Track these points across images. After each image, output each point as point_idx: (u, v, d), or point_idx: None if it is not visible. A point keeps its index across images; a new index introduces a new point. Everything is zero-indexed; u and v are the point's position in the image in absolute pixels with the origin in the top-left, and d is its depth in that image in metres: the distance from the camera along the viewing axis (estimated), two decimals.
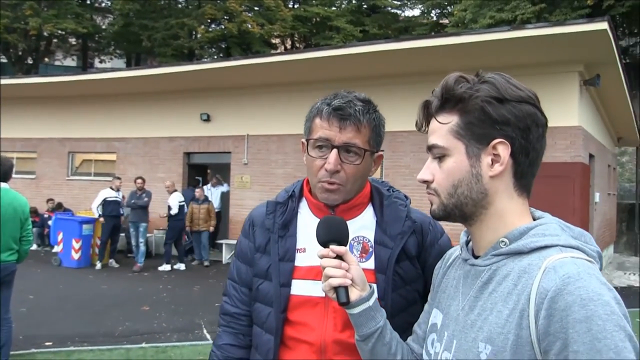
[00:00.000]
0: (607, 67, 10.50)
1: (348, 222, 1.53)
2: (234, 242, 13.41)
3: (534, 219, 1.23)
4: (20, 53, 30.09)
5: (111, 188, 12.65)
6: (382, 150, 1.70)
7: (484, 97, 1.17)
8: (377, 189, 1.71)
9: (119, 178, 13.10)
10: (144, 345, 6.69)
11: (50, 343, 6.60)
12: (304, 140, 1.66)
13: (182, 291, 10.08)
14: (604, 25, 8.86)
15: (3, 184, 5.31)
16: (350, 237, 1.56)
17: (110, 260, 12.61)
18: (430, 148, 1.25)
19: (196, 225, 12.65)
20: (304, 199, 1.72)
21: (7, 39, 27.04)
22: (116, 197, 12.60)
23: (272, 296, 1.62)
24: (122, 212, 12.85)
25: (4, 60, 31.32)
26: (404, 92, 11.01)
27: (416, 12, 35.58)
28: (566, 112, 10.13)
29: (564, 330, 0.98)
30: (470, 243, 1.30)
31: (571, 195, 10.21)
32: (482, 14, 24.99)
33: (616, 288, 1.86)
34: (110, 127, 15.67)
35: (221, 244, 13.84)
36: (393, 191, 1.73)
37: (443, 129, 1.22)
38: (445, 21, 31.94)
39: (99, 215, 12.45)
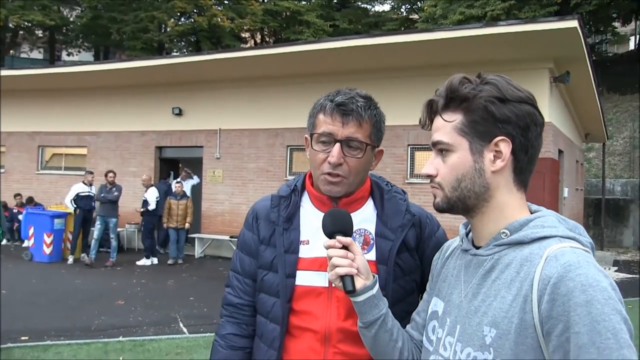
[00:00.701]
0: (576, 64, 10.72)
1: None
2: (207, 236, 13.52)
3: (531, 212, 1.31)
4: None
5: (84, 182, 12.49)
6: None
7: (487, 97, 1.24)
8: (377, 183, 1.78)
9: (91, 172, 12.93)
10: (121, 339, 6.67)
11: (27, 337, 6.53)
12: (307, 135, 1.73)
13: (156, 285, 10.05)
14: (574, 23, 9.04)
15: None
16: (353, 229, 1.63)
17: (82, 255, 12.45)
18: (435, 144, 1.32)
19: (174, 221, 12.45)
20: (306, 193, 1.78)
21: None
22: (89, 191, 12.46)
23: (278, 287, 1.68)
24: (94, 207, 12.70)
25: None
26: (374, 88, 11.09)
27: (386, 7, 35.89)
28: None
29: (566, 313, 1.06)
30: (470, 234, 1.38)
31: (541, 190, 10.42)
32: (452, 10, 25.25)
33: None
34: (81, 120, 15.46)
35: (193, 239, 13.80)
36: (391, 186, 1.81)
37: (447, 126, 1.29)
38: (416, 16, 32.16)
39: (75, 209, 12.33)
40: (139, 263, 12.21)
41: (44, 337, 6.60)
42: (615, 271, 13.35)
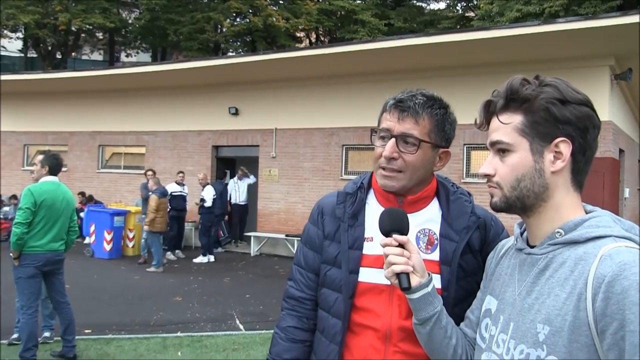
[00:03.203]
0: (638, 60, 10.38)
1: (414, 214, 1.64)
2: (262, 234, 13.68)
3: (586, 212, 1.31)
4: (49, 48, 30.51)
5: (176, 182, 12.96)
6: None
7: (549, 98, 1.26)
8: (443, 184, 1.78)
9: (181, 172, 13.31)
10: (179, 334, 6.86)
11: (90, 330, 6.81)
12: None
13: (212, 282, 10.25)
14: (636, 18, 8.76)
15: (55, 178, 5.60)
16: (417, 229, 1.66)
17: (177, 251, 13.00)
18: (494, 144, 1.34)
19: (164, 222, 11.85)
20: (371, 190, 1.80)
21: (38, 34, 27.42)
22: (181, 191, 12.94)
23: (341, 282, 1.69)
24: (186, 206, 13.16)
25: (35, 55, 31.79)
26: (431, 86, 10.86)
27: (442, 5, 35.45)
28: (596, 106, 9.65)
29: (621, 311, 1.06)
30: (525, 234, 1.39)
31: (601, 190, 10.15)
32: (508, 7, 24.68)
33: None
34: (139, 120, 15.91)
35: (249, 237, 13.98)
36: (457, 187, 1.80)
37: (507, 126, 1.30)
38: (471, 14, 31.65)
39: (169, 210, 12.52)
40: (195, 260, 12.45)
41: (106, 331, 6.86)
42: None
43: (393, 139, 1.63)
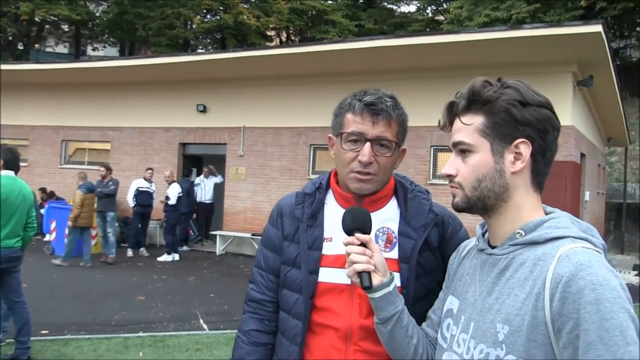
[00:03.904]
0: (600, 68, 10.64)
1: (373, 214, 1.63)
2: (228, 233, 13.58)
3: (546, 214, 1.34)
4: (10, 38, 29.79)
5: (144, 178, 12.80)
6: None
7: (509, 100, 1.28)
8: (400, 182, 1.80)
9: (150, 169, 13.15)
10: (141, 334, 6.75)
11: (47, 331, 6.61)
12: (331, 135, 1.75)
13: (176, 281, 10.13)
14: (598, 27, 9.00)
15: (11, 173, 5.42)
16: (376, 228, 1.66)
17: (141, 249, 12.93)
18: (456, 145, 1.35)
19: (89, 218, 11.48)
20: (330, 191, 1.80)
21: None
22: (148, 187, 12.79)
23: (301, 283, 1.70)
24: (152, 203, 13.00)
25: None
26: (398, 88, 11.01)
27: (412, 8, 35.69)
28: (560, 111, 9.94)
29: (576, 311, 1.08)
30: (487, 234, 1.41)
31: (562, 193, 10.34)
32: (477, 12, 25.10)
33: None
34: (105, 116, 15.62)
35: (215, 235, 13.88)
36: (415, 186, 1.82)
37: (469, 127, 1.32)
38: (441, 18, 32.03)
39: (134, 205, 12.62)
40: (160, 259, 12.30)
41: (64, 331, 6.69)
42: (636, 275, 13.19)
43: (369, 143, 1.63)
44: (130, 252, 12.64)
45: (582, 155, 12.38)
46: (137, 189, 12.57)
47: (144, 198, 12.68)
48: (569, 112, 10.44)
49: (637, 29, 31.69)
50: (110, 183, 11.93)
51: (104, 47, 34.93)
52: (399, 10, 35.90)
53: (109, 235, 11.89)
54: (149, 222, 13.33)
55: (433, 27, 31.04)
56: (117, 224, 13.19)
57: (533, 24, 15.43)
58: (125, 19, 29.05)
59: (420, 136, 11.37)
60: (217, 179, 14.47)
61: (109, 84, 15.24)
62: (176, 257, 12.53)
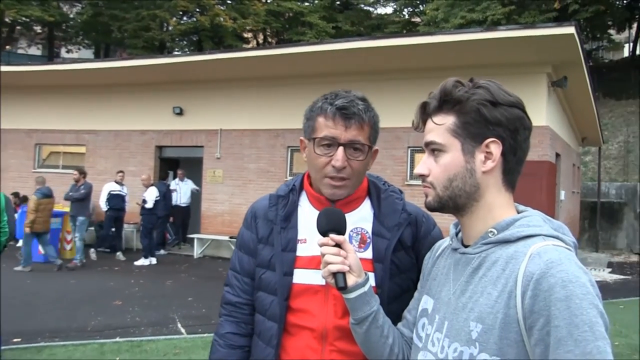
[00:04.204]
0: (573, 69, 10.78)
1: (347, 215, 1.62)
2: (206, 236, 13.49)
3: (518, 212, 1.35)
4: None
5: (116, 182, 12.64)
6: None
7: (480, 100, 1.28)
8: (374, 183, 1.80)
9: (121, 172, 12.99)
10: (118, 339, 6.65)
11: (19, 339, 6.46)
12: (303, 138, 1.74)
13: (154, 285, 10.03)
14: (571, 29, 9.13)
15: None
16: (349, 228, 1.65)
17: (118, 253, 12.76)
18: (428, 144, 1.36)
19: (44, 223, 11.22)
20: (304, 192, 1.80)
21: None
22: (120, 190, 12.63)
23: (276, 285, 1.69)
24: (125, 206, 12.86)
25: None
26: (376, 90, 11.08)
27: (389, 10, 35.87)
28: (535, 112, 10.36)
29: (547, 308, 1.10)
30: (460, 234, 1.41)
31: (538, 192, 10.46)
32: (453, 14, 25.35)
33: None
34: (79, 119, 15.41)
35: (193, 239, 13.78)
36: (388, 185, 1.82)
37: (441, 127, 1.33)
38: (417, 20, 32.27)
39: (107, 210, 12.49)
40: (137, 263, 12.16)
41: (38, 339, 6.54)
42: (610, 272, 13.43)
43: (342, 148, 1.62)
44: (93, 255, 12.48)
45: (557, 155, 12.54)
46: (109, 193, 12.42)
47: (116, 201, 12.53)
48: (544, 113, 10.57)
49: (608, 31, 32.51)
50: (82, 187, 11.75)
51: (79, 49, 34.52)
52: (375, 12, 36.08)
53: (75, 240, 11.75)
54: (123, 225, 13.19)
55: (410, 28, 31.26)
56: (92, 228, 13.07)
57: (508, 25, 15.58)
58: (100, 21, 28.72)
59: (397, 137, 11.41)
60: (193, 186, 14.41)
61: (83, 86, 15.05)
62: (153, 261, 12.39)
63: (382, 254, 1.68)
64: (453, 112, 1.31)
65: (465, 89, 1.31)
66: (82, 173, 11.99)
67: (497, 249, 1.26)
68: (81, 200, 11.72)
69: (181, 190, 14.30)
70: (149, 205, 12.26)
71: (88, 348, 6.29)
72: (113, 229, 12.88)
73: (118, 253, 12.75)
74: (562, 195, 13.61)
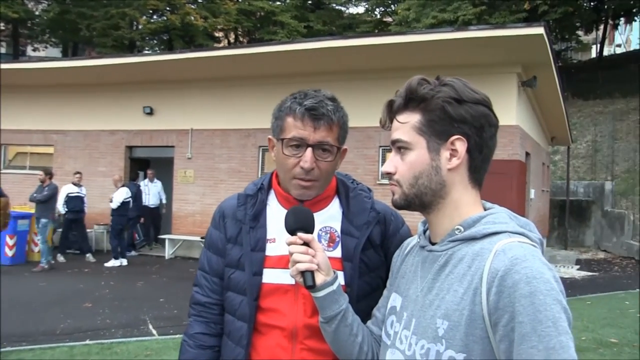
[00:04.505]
0: (543, 69, 10.93)
1: (316, 214, 1.62)
2: (177, 237, 13.37)
3: (485, 210, 1.35)
4: None
5: (73, 183, 12.39)
6: None
7: (445, 97, 1.29)
8: (342, 182, 1.79)
9: (78, 173, 12.72)
10: (88, 342, 6.55)
11: None
12: (271, 137, 1.73)
13: (124, 287, 9.91)
14: (540, 30, 9.25)
15: None
16: (318, 227, 1.65)
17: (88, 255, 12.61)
18: (394, 142, 1.36)
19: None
20: (272, 192, 1.79)
21: None
22: (78, 192, 12.38)
23: (245, 285, 1.68)
24: (84, 208, 12.62)
25: None
26: (348, 89, 11.09)
27: (360, 9, 35.99)
28: (505, 111, 10.49)
29: (512, 304, 1.11)
30: (428, 232, 1.42)
31: (509, 191, 10.59)
32: (425, 14, 25.54)
33: None
34: (47, 118, 15.14)
35: (164, 239, 13.65)
36: (357, 184, 1.82)
37: (406, 125, 1.33)
38: (389, 19, 32.45)
39: (65, 212, 12.24)
40: (107, 265, 12.00)
41: (4, 344, 6.35)
42: (578, 269, 13.69)
43: (310, 149, 1.61)
44: (61, 258, 12.32)
45: (527, 154, 12.70)
46: (67, 195, 12.19)
47: (75, 203, 12.31)
48: (514, 112, 10.70)
49: (577, 32, 33.17)
50: (47, 189, 11.53)
51: (46, 47, 33.88)
52: (347, 11, 36.19)
53: (39, 242, 11.57)
54: (84, 227, 12.98)
55: (381, 28, 31.42)
56: (59, 229, 12.83)
57: (479, 25, 15.76)
58: (67, 19, 28.23)
59: (368, 137, 11.45)
60: (161, 190, 14.32)
61: (51, 85, 14.77)
62: (124, 262, 12.23)
63: (351, 252, 1.68)
64: (418, 110, 1.32)
65: (431, 86, 1.31)
66: (48, 174, 11.76)
67: (463, 246, 1.27)
68: (44, 202, 11.50)
69: (150, 191, 14.17)
70: (113, 205, 12.09)
71: (57, 351, 6.17)
72: (74, 232, 12.68)
73: (88, 255, 12.57)
74: (532, 193, 13.80)
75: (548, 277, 1.12)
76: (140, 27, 29.15)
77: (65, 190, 12.26)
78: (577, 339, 6.59)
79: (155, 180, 14.37)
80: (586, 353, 6.15)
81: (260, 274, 1.67)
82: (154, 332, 7.11)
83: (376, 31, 29.11)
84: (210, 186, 13.47)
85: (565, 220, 18.54)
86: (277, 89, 12.25)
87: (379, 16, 34.32)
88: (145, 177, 14.80)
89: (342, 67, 11.60)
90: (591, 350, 6.30)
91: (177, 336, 6.75)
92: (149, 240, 14.62)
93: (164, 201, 14.52)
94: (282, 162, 1.66)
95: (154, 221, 14.72)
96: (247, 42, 32.28)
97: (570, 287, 11.12)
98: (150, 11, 29.42)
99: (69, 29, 29.42)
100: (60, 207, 12.25)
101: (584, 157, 21.97)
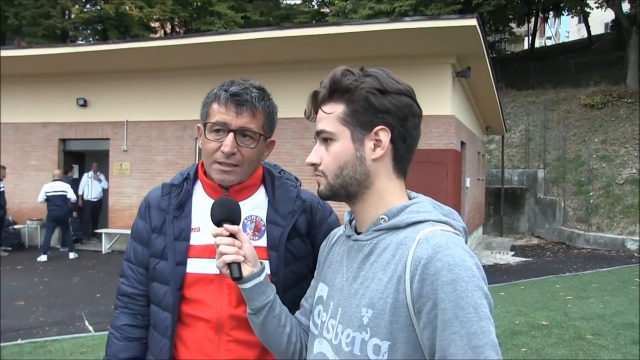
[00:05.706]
0: (477, 60, 11.17)
1: (241, 202, 1.62)
2: (114, 231, 13.10)
3: (410, 199, 1.39)
4: None
5: None
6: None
7: (368, 88, 1.30)
8: (269, 171, 1.82)
9: (3, 167, 12.26)
10: (19, 341, 6.36)
11: None
12: (200, 124, 1.73)
13: (60, 283, 9.65)
14: (473, 21, 9.44)
15: None
16: (244, 216, 1.66)
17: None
18: (319, 133, 1.37)
19: None
20: (198, 181, 1.79)
21: None
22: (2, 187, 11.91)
23: (169, 275, 1.67)
24: (4, 203, 12.17)
25: None
26: (286, 80, 11.09)
27: (298, 0, 35.86)
28: (440, 101, 10.71)
29: (434, 291, 1.13)
30: (354, 221, 1.44)
31: (445, 180, 10.81)
32: (362, 5, 25.71)
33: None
34: None
35: (100, 234, 13.34)
36: (284, 173, 1.84)
37: (331, 116, 1.34)
38: (326, 10, 32.51)
39: None
40: (38, 259, 11.67)
41: None
42: (513, 255, 14.13)
43: (232, 134, 1.62)
44: None
45: (463, 143, 12.99)
46: None
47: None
48: (449, 102, 10.91)
49: (510, 24, 34.15)
50: None
51: None
52: (284, 2, 36.06)
53: None
54: (5, 222, 12.60)
55: (319, 19, 31.46)
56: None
57: (414, 17, 16.00)
58: None
59: (305, 127, 11.45)
60: (103, 184, 14.00)
61: None
62: (44, 258, 11.87)
63: (277, 241, 1.69)
64: (342, 101, 1.33)
65: (355, 77, 1.32)
66: None
67: (387, 235, 1.29)
68: None
69: (92, 185, 13.83)
70: (39, 200, 11.82)
71: None
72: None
73: (41, 256, 12.16)
74: (468, 182, 14.11)
75: (470, 264, 1.15)
76: (72, 16, 28.20)
77: None
78: (511, 323, 6.87)
79: (99, 173, 14.03)
80: (519, 336, 6.37)
81: (184, 263, 1.67)
82: (90, 328, 6.98)
83: (314, 22, 29.13)
84: (147, 179, 13.22)
85: (501, 208, 19.10)
86: (214, 80, 11.97)
87: (316, 7, 34.32)
88: (81, 171, 14.43)
89: (280, 58, 11.57)
90: (524, 333, 6.53)
91: None
92: (86, 235, 14.24)
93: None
94: (205, 146, 1.67)
95: (94, 215, 14.43)
96: (184, 33, 31.74)
97: (506, 272, 11.51)
98: (83, 0, 28.53)
99: None
100: None
101: (518, 146, 22.62)
